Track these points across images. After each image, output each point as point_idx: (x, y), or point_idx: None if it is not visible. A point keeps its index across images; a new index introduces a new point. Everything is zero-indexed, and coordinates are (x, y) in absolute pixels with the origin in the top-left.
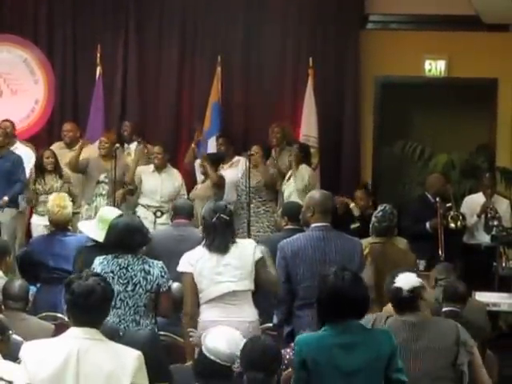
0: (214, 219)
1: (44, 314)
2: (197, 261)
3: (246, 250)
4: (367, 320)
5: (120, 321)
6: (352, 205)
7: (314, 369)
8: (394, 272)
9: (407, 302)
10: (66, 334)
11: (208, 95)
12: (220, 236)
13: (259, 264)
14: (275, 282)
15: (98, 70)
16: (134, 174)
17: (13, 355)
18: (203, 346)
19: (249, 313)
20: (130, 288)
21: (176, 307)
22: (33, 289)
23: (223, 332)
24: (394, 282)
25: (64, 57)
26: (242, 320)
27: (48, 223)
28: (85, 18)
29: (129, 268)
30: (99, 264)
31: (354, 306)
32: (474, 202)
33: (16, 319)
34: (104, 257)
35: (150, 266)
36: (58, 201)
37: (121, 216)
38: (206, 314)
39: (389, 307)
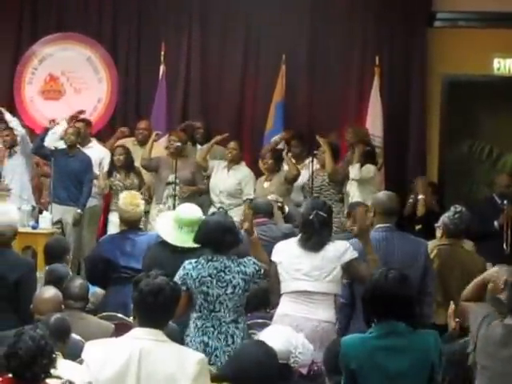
0: (312, 216)
1: (104, 313)
2: (282, 251)
3: (332, 252)
4: None
5: (220, 323)
6: (420, 196)
7: (359, 371)
8: None
9: None
10: (130, 335)
11: (271, 94)
12: (317, 234)
13: (349, 265)
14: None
15: (162, 68)
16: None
17: (72, 354)
18: None
19: (322, 313)
20: (229, 291)
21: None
22: (92, 288)
23: (274, 331)
24: None
25: (128, 55)
26: (311, 318)
27: None
28: (149, 17)
29: (226, 271)
30: (193, 268)
31: (397, 306)
32: None
33: (76, 318)
34: (196, 260)
35: (244, 265)
36: (130, 199)
37: (213, 214)
38: (281, 306)
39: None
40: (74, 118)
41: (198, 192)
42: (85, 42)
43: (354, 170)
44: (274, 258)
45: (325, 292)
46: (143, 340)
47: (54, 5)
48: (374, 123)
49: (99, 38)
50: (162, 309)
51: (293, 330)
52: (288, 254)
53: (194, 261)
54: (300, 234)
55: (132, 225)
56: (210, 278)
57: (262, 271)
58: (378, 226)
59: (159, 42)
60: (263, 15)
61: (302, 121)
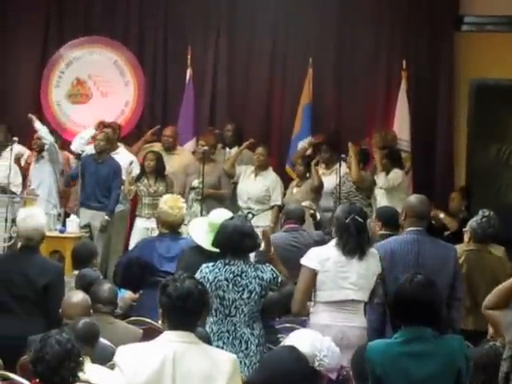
0: (348, 220)
1: (133, 318)
2: (326, 260)
3: (373, 261)
4: None
5: (236, 328)
6: (442, 215)
7: (385, 377)
8: None
9: None
10: (161, 338)
11: (299, 97)
12: (353, 238)
13: (378, 277)
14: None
15: (189, 71)
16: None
17: (100, 359)
18: None
19: (360, 319)
20: (245, 295)
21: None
22: (121, 292)
23: (299, 335)
24: None
25: (154, 59)
26: (354, 326)
27: (152, 226)
28: (175, 20)
29: (243, 275)
30: (210, 272)
31: (421, 311)
32: None
33: (104, 323)
34: (213, 264)
35: (261, 271)
36: (173, 202)
37: (232, 218)
38: (320, 316)
39: None
40: (101, 125)
41: (220, 196)
42: (111, 45)
43: (380, 179)
44: (312, 265)
45: (365, 300)
46: (176, 343)
47: (80, 8)
48: (401, 127)
49: (126, 41)
50: (191, 313)
51: (318, 334)
52: (334, 262)
53: (211, 264)
54: (336, 239)
55: (173, 228)
56: (226, 282)
57: (280, 279)
58: (409, 229)
59: (186, 45)
60: (290, 18)
61: (329, 124)
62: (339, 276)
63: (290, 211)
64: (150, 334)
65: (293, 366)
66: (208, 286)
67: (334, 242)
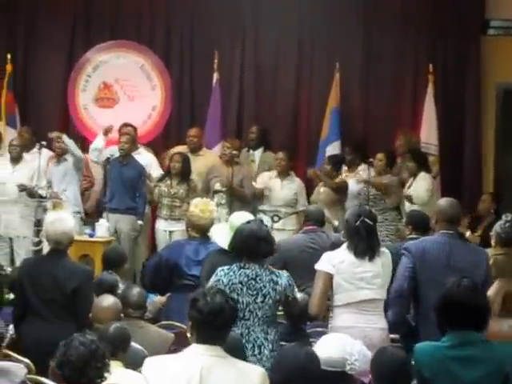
0: (358, 223)
1: (164, 322)
2: (340, 263)
3: (388, 259)
4: None
5: (249, 332)
6: (468, 234)
7: (433, 380)
8: None
9: None
10: (189, 351)
11: (325, 98)
12: (363, 240)
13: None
14: None
15: (215, 76)
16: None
17: (132, 363)
18: None
19: (381, 321)
20: (259, 299)
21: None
22: (151, 297)
23: (329, 339)
24: None
25: (181, 62)
26: (375, 327)
27: (170, 228)
28: (202, 24)
29: (257, 279)
30: (225, 275)
31: (470, 315)
32: None
33: (135, 327)
34: (228, 267)
35: (277, 276)
36: (203, 206)
37: (248, 222)
38: (341, 318)
39: None
40: (108, 131)
41: (243, 196)
42: (138, 49)
43: (415, 193)
44: (327, 268)
45: (383, 298)
46: (203, 356)
47: (107, 12)
48: (428, 131)
49: (152, 45)
50: (221, 328)
51: (349, 338)
52: (348, 264)
53: (226, 267)
54: (347, 242)
55: (203, 232)
56: (240, 286)
57: (296, 290)
58: (441, 231)
59: (212, 48)
60: (316, 22)
61: (357, 128)
62: (355, 277)
63: (310, 213)
64: (180, 338)
65: (307, 364)
66: (223, 288)
67: (345, 245)
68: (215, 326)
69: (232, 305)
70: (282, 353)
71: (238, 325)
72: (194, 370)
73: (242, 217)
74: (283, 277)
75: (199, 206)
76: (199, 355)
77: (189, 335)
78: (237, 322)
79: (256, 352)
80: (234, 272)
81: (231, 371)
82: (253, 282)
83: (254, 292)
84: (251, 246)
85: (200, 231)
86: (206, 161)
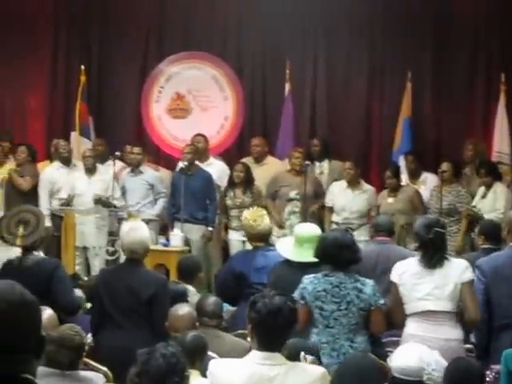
0: (431, 235)
1: (240, 331)
2: (403, 272)
3: (453, 270)
4: None
5: (334, 340)
6: None
7: None
8: None
9: None
10: (250, 358)
11: (397, 110)
12: (439, 251)
13: (465, 286)
14: (473, 313)
15: (287, 86)
16: None
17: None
18: (391, 368)
19: (448, 331)
20: (343, 307)
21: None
22: (225, 306)
23: (406, 349)
24: None
25: (253, 73)
26: (438, 337)
27: (244, 238)
28: (273, 33)
29: (341, 286)
30: (309, 283)
31: None
32: None
33: (211, 336)
34: (314, 275)
35: (362, 284)
36: (253, 216)
37: (333, 231)
38: (410, 327)
39: None
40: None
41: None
42: (210, 60)
43: (490, 200)
44: (394, 279)
45: (448, 310)
46: (264, 366)
47: (179, 23)
48: (501, 140)
49: (224, 56)
50: (280, 329)
51: (425, 347)
52: (409, 275)
53: (312, 275)
54: (421, 254)
55: (262, 240)
56: (324, 293)
57: (383, 301)
58: None
59: (284, 59)
60: (387, 32)
61: (429, 137)
62: (414, 288)
63: (379, 224)
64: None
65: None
66: (307, 296)
67: (417, 256)
68: (274, 326)
69: (291, 306)
70: (344, 361)
71: (324, 333)
72: (253, 377)
73: (307, 228)
74: (368, 285)
75: (249, 217)
76: (259, 364)
77: (248, 339)
78: (322, 329)
79: (341, 360)
80: (318, 280)
81: (290, 377)
82: (337, 290)
83: (338, 299)
84: (334, 254)
85: (258, 239)
86: (270, 168)
